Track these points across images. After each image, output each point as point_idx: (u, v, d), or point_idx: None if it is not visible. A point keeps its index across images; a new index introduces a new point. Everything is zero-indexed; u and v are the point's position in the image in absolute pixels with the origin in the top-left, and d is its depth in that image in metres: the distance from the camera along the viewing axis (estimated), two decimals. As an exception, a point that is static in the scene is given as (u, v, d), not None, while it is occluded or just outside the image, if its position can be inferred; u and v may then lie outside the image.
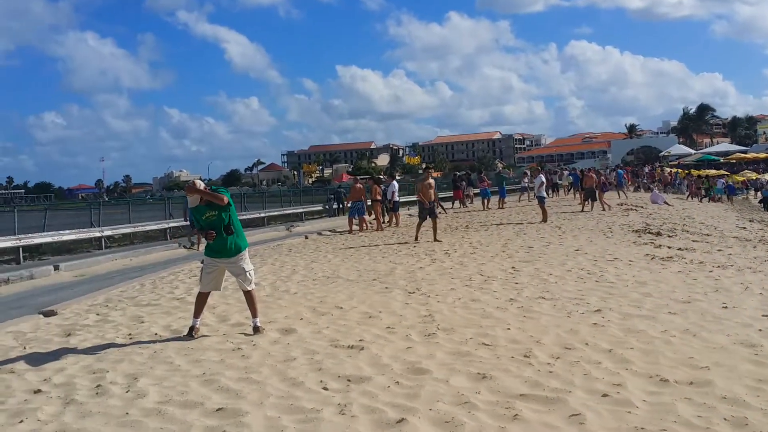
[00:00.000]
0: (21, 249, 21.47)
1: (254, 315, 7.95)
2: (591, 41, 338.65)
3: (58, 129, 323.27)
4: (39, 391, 6.04)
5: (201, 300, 8.02)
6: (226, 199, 7.68)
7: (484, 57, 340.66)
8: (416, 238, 17.77)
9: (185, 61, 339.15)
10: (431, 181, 18.69)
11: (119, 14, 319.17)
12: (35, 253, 22.88)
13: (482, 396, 5.17)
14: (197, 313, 7.97)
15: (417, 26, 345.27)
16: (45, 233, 23.47)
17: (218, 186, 8.35)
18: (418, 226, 18.40)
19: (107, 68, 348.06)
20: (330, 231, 24.49)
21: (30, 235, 22.51)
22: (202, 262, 8.37)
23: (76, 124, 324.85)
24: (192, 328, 7.85)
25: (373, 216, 24.47)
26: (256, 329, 7.81)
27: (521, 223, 22.01)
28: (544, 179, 24.43)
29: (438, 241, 17.23)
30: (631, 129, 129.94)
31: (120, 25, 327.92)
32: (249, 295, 7.96)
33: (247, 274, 7.89)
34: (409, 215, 30.20)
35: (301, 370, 6.16)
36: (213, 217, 7.77)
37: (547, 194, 26.15)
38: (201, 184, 7.76)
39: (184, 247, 23.37)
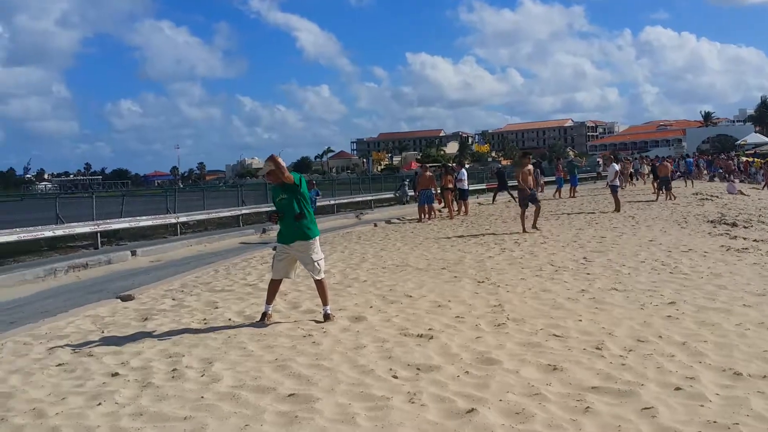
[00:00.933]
0: (99, 234, 22.17)
1: (325, 303, 8.03)
2: (666, 27, 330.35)
3: (134, 116, 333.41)
4: (117, 374, 6.24)
5: (273, 287, 8.15)
6: (291, 178, 7.72)
7: (556, 43, 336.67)
8: (523, 229, 16.66)
9: (258, 50, 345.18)
10: (531, 167, 17.90)
11: (195, 3, 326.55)
12: (113, 238, 23.63)
13: (553, 388, 5.13)
14: (269, 300, 8.10)
15: (489, 12, 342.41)
16: (122, 219, 24.22)
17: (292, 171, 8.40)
18: (522, 215, 17.14)
19: (182, 57, 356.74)
20: (399, 219, 24.54)
21: (108, 220, 23.25)
22: (274, 249, 8.51)
23: (152, 112, 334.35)
24: (264, 315, 7.99)
25: (442, 204, 24.43)
26: (327, 317, 7.89)
27: (593, 213, 21.65)
28: (618, 168, 23.96)
29: (536, 229, 16.60)
30: (707, 117, 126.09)
31: (195, 13, 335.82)
32: (319, 284, 8.03)
33: (316, 263, 7.93)
34: (479, 204, 30.06)
35: (371, 357, 6.22)
36: (284, 201, 7.85)
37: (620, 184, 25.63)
38: (281, 160, 7.86)
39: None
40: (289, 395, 5.29)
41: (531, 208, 17.16)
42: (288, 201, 7.83)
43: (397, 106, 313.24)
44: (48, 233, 20.79)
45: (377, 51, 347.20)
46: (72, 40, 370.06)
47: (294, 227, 7.86)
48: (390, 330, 7.25)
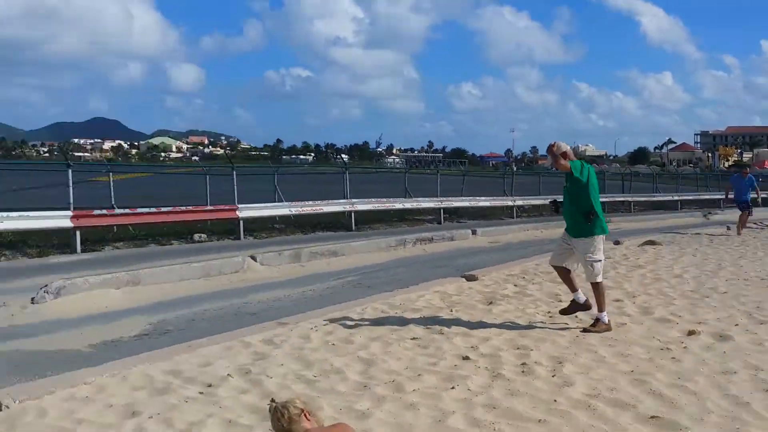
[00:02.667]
0: (441, 210, 23.40)
1: (600, 309, 7.40)
2: None
3: (473, 99, 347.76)
4: (467, 357, 6.25)
5: (558, 274, 7.76)
6: (567, 166, 7.17)
7: None
8: None
9: (597, 35, 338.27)
10: None
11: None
12: (453, 215, 24.60)
13: None
14: (572, 289, 7.61)
15: None
16: (463, 197, 25.33)
17: (586, 162, 7.74)
18: None
19: (521, 41, 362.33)
20: (757, 224, 21.80)
21: (450, 198, 24.45)
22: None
23: (490, 95, 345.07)
24: (597, 320, 7.39)
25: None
26: (596, 322, 7.32)
27: None
28: None
29: None
30: None
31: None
32: (595, 287, 7.43)
33: (589, 265, 7.34)
34: None
35: (745, 387, 5.42)
36: (565, 190, 7.51)
37: None
38: (562, 146, 7.29)
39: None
40: (651, 417, 4.78)
41: None
42: (569, 191, 7.42)
43: (748, 97, 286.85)
44: (398, 205, 22.72)
45: (727, 37, 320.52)
46: (422, 25, 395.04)
47: (574, 220, 7.40)
48: (763, 356, 6.32)
